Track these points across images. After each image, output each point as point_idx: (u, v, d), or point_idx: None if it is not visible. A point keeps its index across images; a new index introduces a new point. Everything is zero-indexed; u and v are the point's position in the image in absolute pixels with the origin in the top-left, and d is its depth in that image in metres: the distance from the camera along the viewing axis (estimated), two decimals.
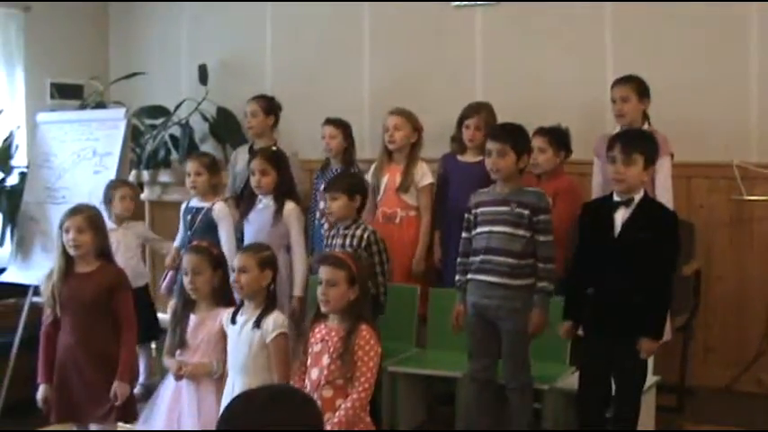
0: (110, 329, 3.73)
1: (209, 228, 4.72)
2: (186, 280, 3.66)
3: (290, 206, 4.59)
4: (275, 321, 3.49)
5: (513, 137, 3.91)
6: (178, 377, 3.62)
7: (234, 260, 4.45)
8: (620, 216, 3.61)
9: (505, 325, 3.88)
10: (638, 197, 3.61)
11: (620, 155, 3.58)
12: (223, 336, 3.62)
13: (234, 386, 3.46)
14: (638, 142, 3.65)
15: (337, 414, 3.28)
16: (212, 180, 4.85)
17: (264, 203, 4.62)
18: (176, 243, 4.93)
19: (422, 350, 4.66)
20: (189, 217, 4.83)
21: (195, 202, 4.86)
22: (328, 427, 3.25)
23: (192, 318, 3.67)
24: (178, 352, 3.66)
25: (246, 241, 4.60)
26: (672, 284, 3.66)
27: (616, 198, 3.65)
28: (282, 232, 4.57)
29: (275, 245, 4.39)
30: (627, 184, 3.60)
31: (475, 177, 4.29)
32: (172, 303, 3.82)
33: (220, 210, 4.76)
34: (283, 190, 4.62)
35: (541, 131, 4.65)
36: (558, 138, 4.69)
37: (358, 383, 3.31)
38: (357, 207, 4.35)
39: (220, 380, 3.61)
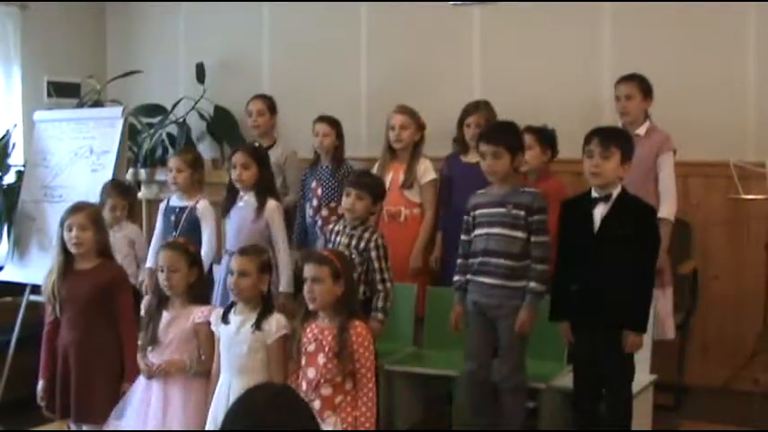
0: (108, 328, 3.72)
1: (195, 226, 4.67)
2: (162, 277, 3.62)
3: (272, 203, 4.55)
4: (278, 323, 3.46)
5: (506, 137, 3.92)
6: (149, 377, 3.60)
7: (213, 257, 4.45)
8: (599, 212, 3.63)
9: (505, 323, 3.88)
10: (615, 192, 3.63)
11: (597, 149, 3.61)
12: (195, 334, 3.60)
13: (231, 387, 3.42)
14: (615, 137, 3.67)
15: (363, 414, 3.28)
16: (194, 177, 4.77)
17: (245, 200, 4.57)
18: (153, 242, 4.83)
19: (419, 349, 4.66)
20: (172, 217, 4.76)
21: (176, 201, 4.79)
22: (339, 428, 3.27)
23: (165, 315, 3.64)
24: (149, 348, 3.62)
25: (227, 238, 4.59)
26: (653, 276, 3.69)
27: (594, 194, 3.68)
28: (262, 228, 4.52)
29: (255, 241, 4.36)
30: (603, 179, 3.62)
31: (479, 177, 4.28)
32: (145, 300, 3.79)
33: (204, 207, 4.72)
34: (264, 186, 4.57)
35: (528, 129, 4.65)
36: (545, 136, 4.70)
37: (366, 380, 3.31)
38: (374, 212, 4.30)
39: (193, 378, 3.59)
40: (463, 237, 4.04)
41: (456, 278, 4.04)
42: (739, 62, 4.94)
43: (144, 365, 3.60)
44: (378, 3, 5.89)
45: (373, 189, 4.23)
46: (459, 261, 4.05)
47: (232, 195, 4.63)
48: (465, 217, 4.03)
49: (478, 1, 5.57)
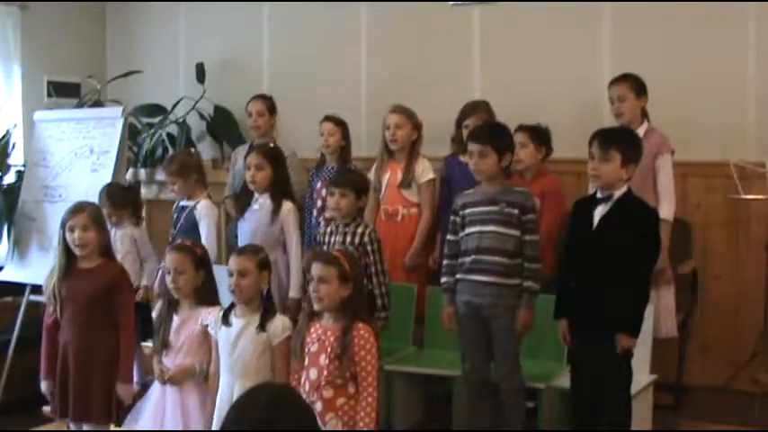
0: (109, 327, 3.71)
1: (194, 226, 4.69)
2: (168, 279, 3.61)
3: (287, 206, 4.53)
4: (283, 324, 3.45)
5: (493, 137, 3.90)
6: (162, 381, 3.60)
7: (212, 257, 4.44)
8: (599, 212, 3.64)
9: (498, 322, 3.87)
10: (618, 194, 3.63)
11: (597, 151, 3.62)
12: (206, 337, 3.58)
13: (234, 389, 3.40)
14: (615, 139, 3.67)
15: (362, 419, 3.24)
16: (188, 181, 4.80)
17: (260, 202, 4.56)
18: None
19: (419, 349, 4.66)
20: (176, 216, 4.82)
21: (184, 201, 4.86)
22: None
23: (175, 318, 3.63)
24: (163, 353, 3.62)
25: (241, 240, 4.56)
26: (649, 280, 3.69)
27: (598, 195, 3.69)
28: (278, 231, 4.51)
29: (271, 244, 4.35)
30: (602, 180, 3.63)
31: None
32: (158, 305, 3.79)
33: (203, 207, 4.74)
34: (279, 188, 4.56)
35: (522, 128, 4.66)
36: (539, 134, 4.70)
37: (366, 383, 3.26)
38: (360, 207, 4.30)
39: (204, 381, 3.58)
40: (450, 237, 4.02)
41: (444, 279, 4.02)
42: (739, 62, 4.94)
43: (158, 370, 3.59)
44: (378, 3, 5.89)
45: (355, 184, 4.25)
46: (445, 262, 4.03)
47: (247, 197, 4.61)
48: (452, 217, 4.01)
49: (478, 1, 5.58)
